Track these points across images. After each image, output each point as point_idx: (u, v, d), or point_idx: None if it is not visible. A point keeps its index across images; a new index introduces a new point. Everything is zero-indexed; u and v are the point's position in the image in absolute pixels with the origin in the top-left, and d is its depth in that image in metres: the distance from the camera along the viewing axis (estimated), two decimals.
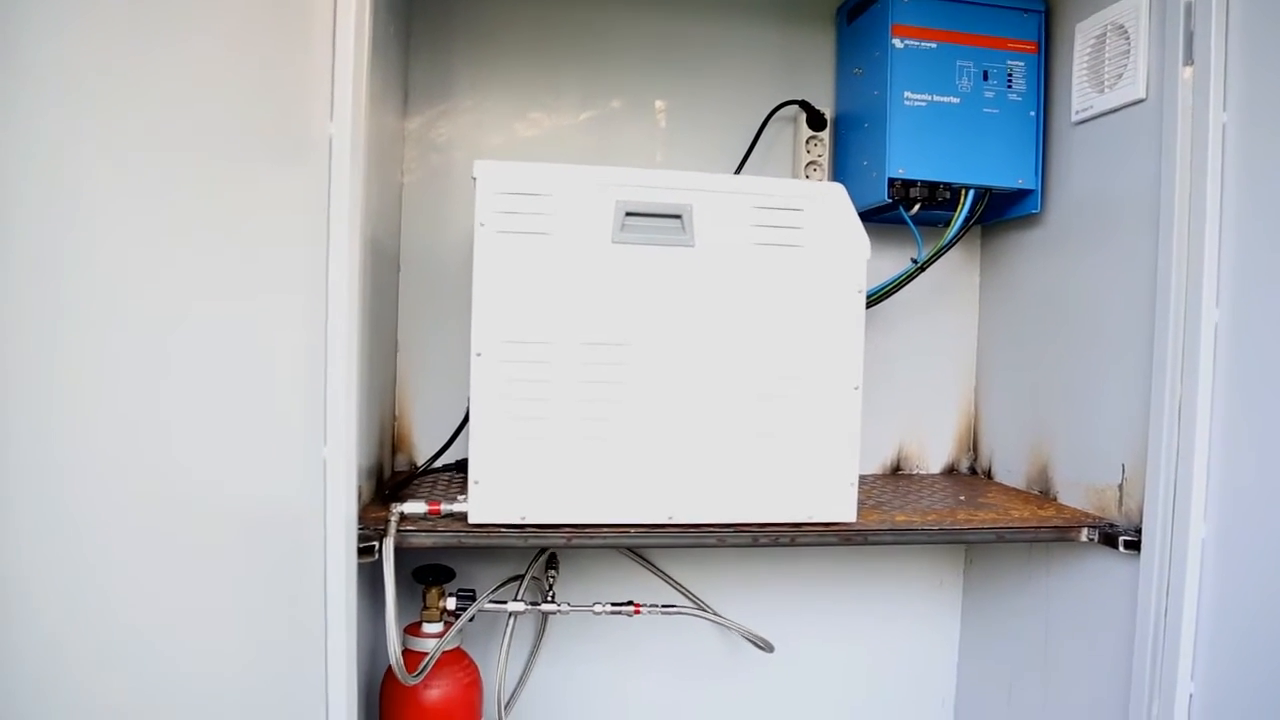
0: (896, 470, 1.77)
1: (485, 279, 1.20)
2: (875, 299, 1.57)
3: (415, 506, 1.24)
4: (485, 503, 1.22)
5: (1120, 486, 1.38)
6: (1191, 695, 1.26)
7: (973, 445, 1.79)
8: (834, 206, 1.28)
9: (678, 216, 1.25)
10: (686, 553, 1.68)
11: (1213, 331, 1.22)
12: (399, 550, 1.19)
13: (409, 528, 1.23)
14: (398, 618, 1.20)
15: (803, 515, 1.29)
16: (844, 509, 1.30)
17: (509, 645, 1.48)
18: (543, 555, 1.55)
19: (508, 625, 1.49)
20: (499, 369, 1.21)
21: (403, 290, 1.60)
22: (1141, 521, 1.31)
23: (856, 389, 1.29)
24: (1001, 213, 1.62)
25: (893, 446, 1.76)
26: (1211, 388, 1.22)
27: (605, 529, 1.25)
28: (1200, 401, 1.22)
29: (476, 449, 1.22)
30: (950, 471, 1.79)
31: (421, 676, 1.28)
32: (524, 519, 1.23)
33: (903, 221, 1.58)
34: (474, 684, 1.40)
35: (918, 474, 1.77)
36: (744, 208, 1.26)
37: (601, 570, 1.65)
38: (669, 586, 1.66)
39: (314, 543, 1.11)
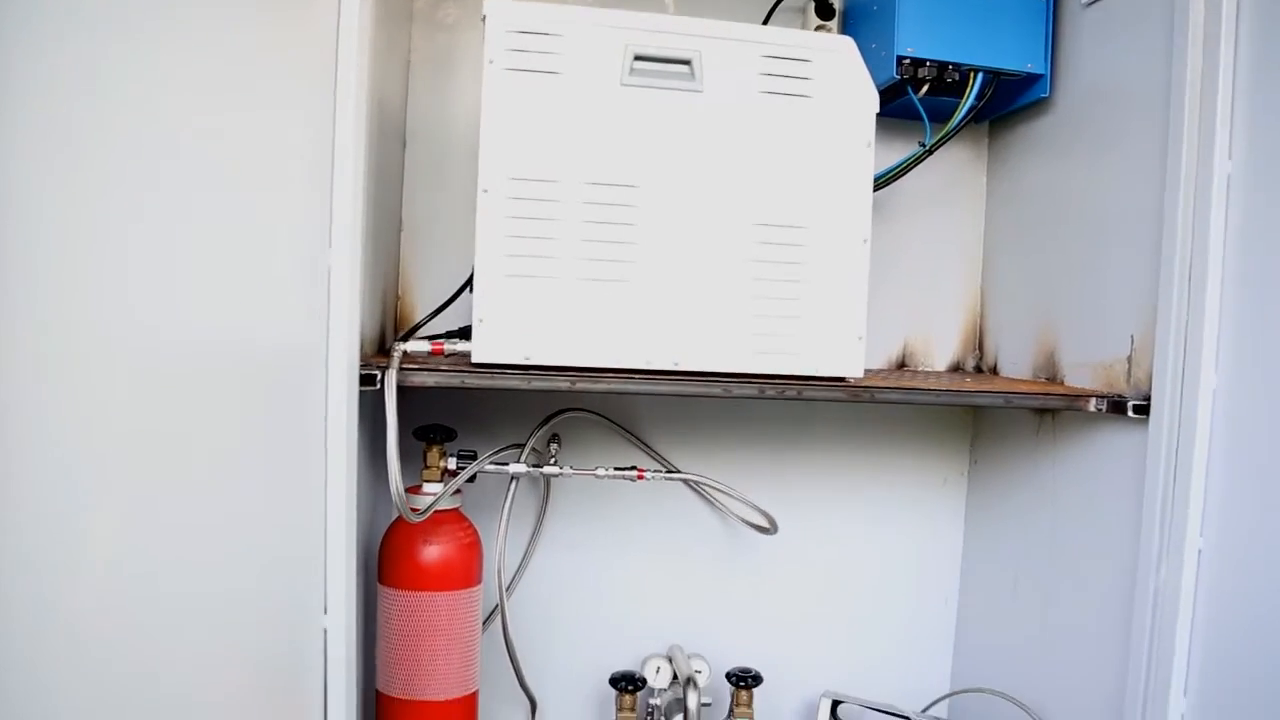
0: (901, 366, 1.76)
1: (493, 116, 1.20)
2: (882, 182, 1.57)
3: (418, 345, 1.23)
4: (489, 342, 1.21)
5: (1129, 359, 1.37)
6: (1200, 551, 1.24)
7: (978, 345, 1.78)
8: (844, 59, 1.27)
9: (686, 62, 1.24)
10: (688, 437, 1.67)
11: (1224, 184, 1.21)
12: (401, 390, 1.18)
13: (411, 366, 1.22)
14: (400, 454, 1.18)
15: (809, 368, 1.28)
16: (851, 364, 1.29)
17: (510, 509, 1.47)
18: (544, 426, 1.53)
19: (509, 490, 1.47)
20: (505, 206, 1.20)
21: (408, 170, 1.59)
22: (1150, 389, 1.30)
23: (865, 242, 1.28)
24: (1010, 102, 1.61)
25: (897, 343, 1.75)
26: (1224, 240, 1.21)
27: (610, 373, 1.24)
28: (1211, 255, 1.21)
29: (481, 287, 1.20)
30: (955, 369, 1.78)
31: (425, 515, 1.27)
32: (528, 359, 1.22)
33: (908, 115, 1.57)
34: (474, 545, 1.38)
35: (923, 370, 1.76)
36: (753, 56, 1.25)
37: (601, 454, 1.64)
38: (664, 469, 1.65)
39: (316, 372, 1.10)
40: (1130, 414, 1.31)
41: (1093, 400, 1.36)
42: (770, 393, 1.27)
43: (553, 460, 1.50)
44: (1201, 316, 1.22)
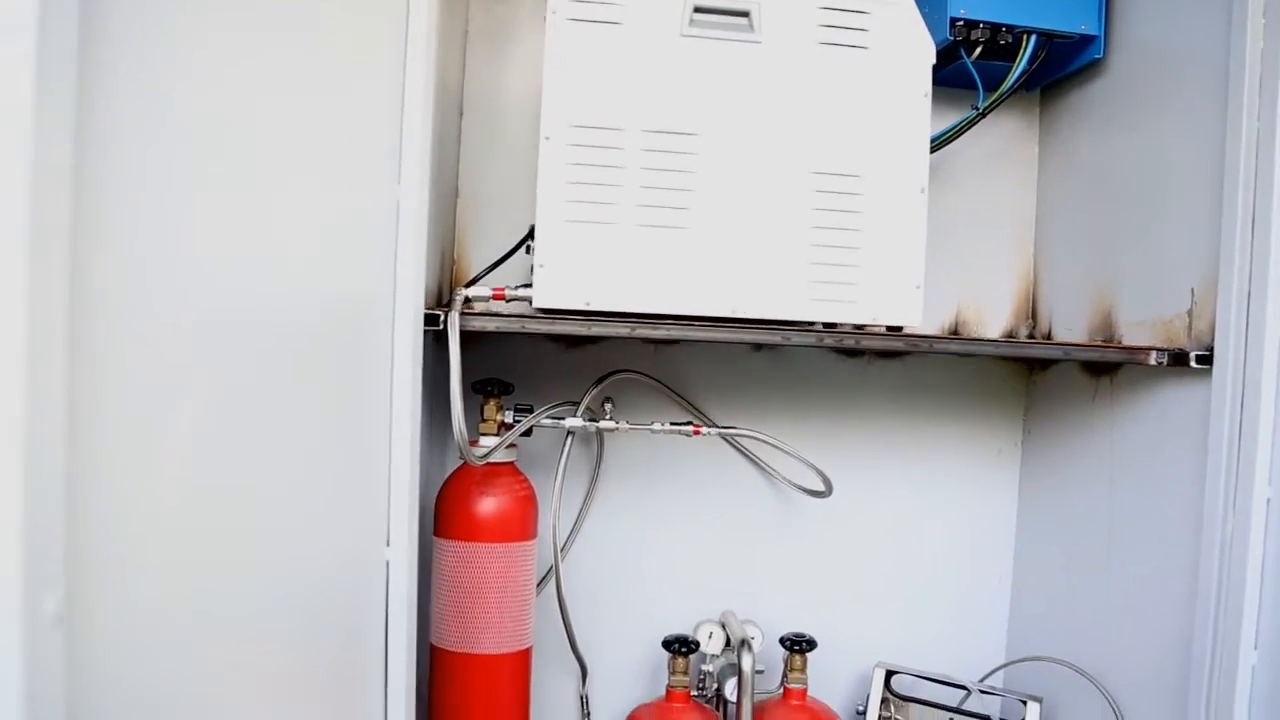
0: (954, 334, 1.75)
1: (555, 64, 1.22)
2: (934, 147, 1.56)
3: (480, 290, 1.25)
4: (550, 287, 1.23)
5: (1189, 312, 1.35)
6: (1269, 500, 1.22)
7: (1031, 314, 1.76)
8: (900, 9, 1.29)
9: (745, 14, 1.26)
10: (738, 404, 1.67)
11: None
12: (462, 338, 1.20)
13: (473, 311, 1.23)
14: (462, 395, 1.19)
15: (867, 317, 1.28)
16: (909, 313, 1.29)
17: (566, 465, 1.48)
18: (598, 385, 1.53)
19: (565, 445, 1.48)
20: (566, 153, 1.22)
21: (464, 139, 1.62)
22: (1213, 341, 1.28)
23: (922, 192, 1.29)
24: (1063, 66, 1.61)
25: (950, 311, 1.74)
26: None
27: (669, 320, 1.25)
28: (1276, 199, 1.20)
29: (543, 233, 1.22)
30: (1009, 337, 1.76)
31: (486, 459, 1.28)
32: (588, 304, 1.23)
33: (961, 84, 1.58)
34: (529, 499, 1.39)
35: (976, 338, 1.75)
36: (811, 8, 1.27)
37: (653, 418, 1.64)
38: (717, 438, 1.66)
39: (383, 318, 1.12)
40: (1193, 364, 1.29)
41: (1153, 354, 1.34)
42: (828, 341, 1.28)
43: (608, 418, 1.51)
44: (1266, 261, 1.21)
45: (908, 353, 1.72)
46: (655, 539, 1.69)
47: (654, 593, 1.66)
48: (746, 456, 1.69)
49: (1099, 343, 1.41)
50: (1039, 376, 1.74)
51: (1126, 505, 1.48)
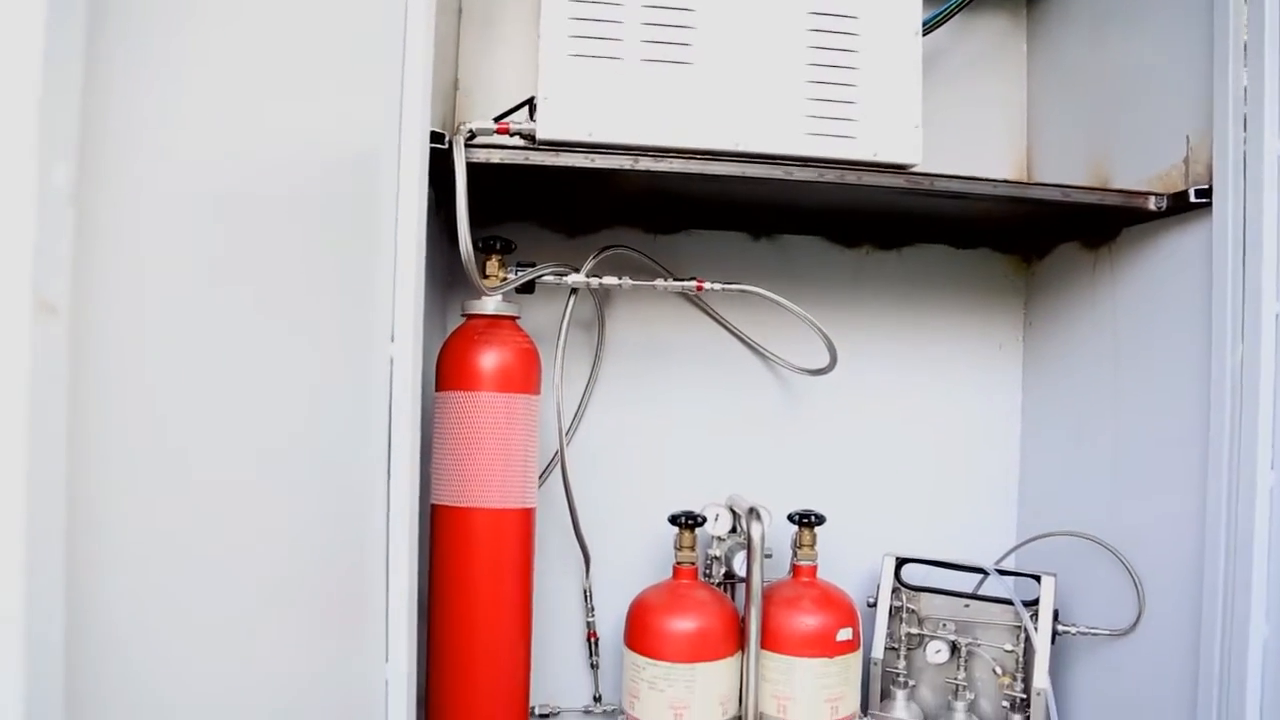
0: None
1: None
2: (928, 29, 1.59)
3: (483, 123, 1.25)
4: (553, 118, 1.23)
5: (1185, 160, 1.37)
6: (1278, 315, 1.21)
7: None
8: None
9: None
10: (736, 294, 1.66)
11: None
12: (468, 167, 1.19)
13: (477, 143, 1.23)
14: (469, 224, 1.18)
15: (868, 153, 1.29)
16: (910, 150, 1.30)
17: (568, 325, 1.46)
18: (599, 256, 1.52)
19: (567, 303, 1.47)
20: None
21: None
22: (1211, 180, 1.29)
23: (916, 35, 1.31)
24: None
25: None
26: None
27: (672, 153, 1.25)
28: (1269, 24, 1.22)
29: (546, 65, 1.23)
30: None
31: (498, 291, 1.27)
32: (591, 136, 1.23)
33: None
34: (531, 352, 1.36)
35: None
36: None
37: (653, 306, 1.64)
38: (719, 325, 1.65)
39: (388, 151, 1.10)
40: (1192, 199, 1.30)
41: (1152, 198, 1.36)
42: (830, 177, 1.28)
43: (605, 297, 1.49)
44: (1261, 85, 1.22)
45: (905, 243, 1.73)
46: (658, 427, 1.66)
47: (658, 481, 1.63)
48: (750, 346, 1.68)
49: (1098, 186, 1.41)
50: (1037, 266, 1.74)
51: (1132, 374, 1.47)
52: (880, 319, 1.73)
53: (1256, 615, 1.21)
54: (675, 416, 1.67)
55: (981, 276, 1.76)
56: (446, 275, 1.58)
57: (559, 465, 1.52)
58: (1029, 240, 1.76)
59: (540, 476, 1.56)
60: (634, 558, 1.61)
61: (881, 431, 1.73)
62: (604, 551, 1.61)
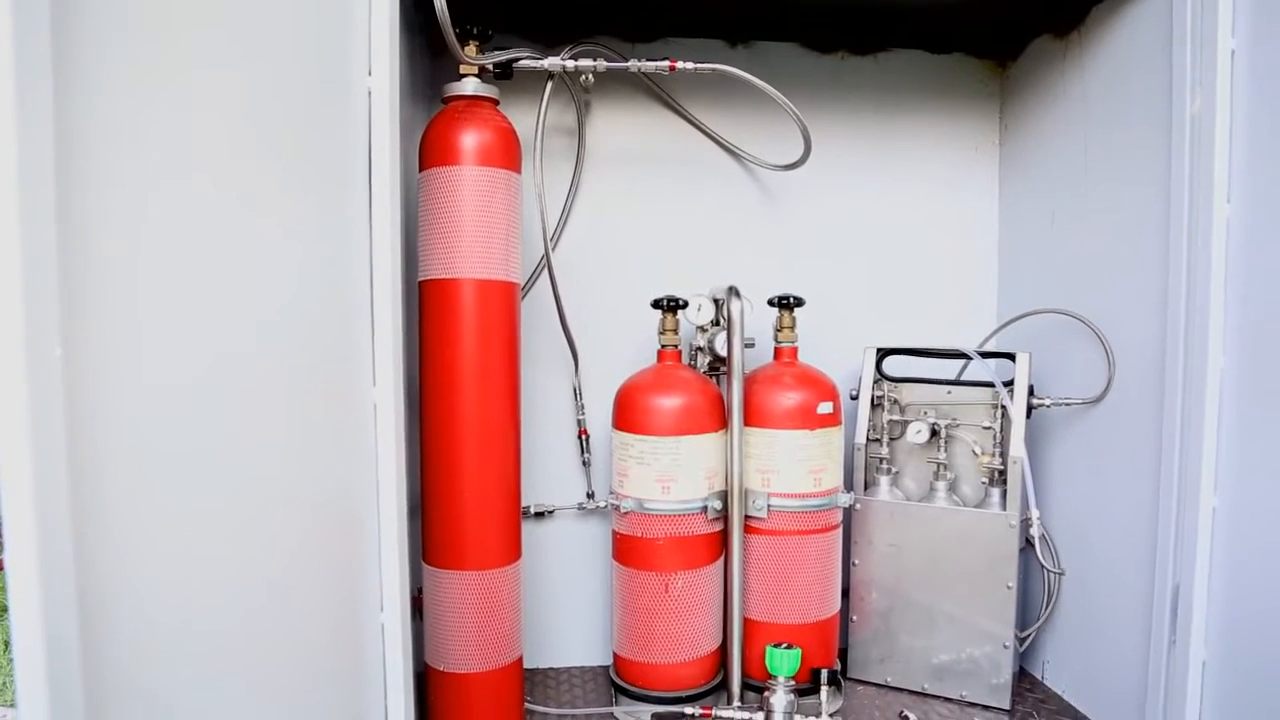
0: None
1: None
2: None
3: None
4: None
5: None
6: (1234, 51, 1.24)
7: None
8: None
9: None
10: (718, 101, 1.69)
11: None
12: None
13: None
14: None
15: None
16: None
17: (546, 107, 1.50)
18: (574, 47, 1.55)
19: (545, 87, 1.51)
20: None
21: None
22: None
23: None
24: None
25: None
26: None
27: None
28: None
29: None
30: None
31: (477, 63, 1.30)
32: None
33: None
34: (510, 132, 1.38)
35: None
36: None
37: (630, 113, 1.67)
38: (697, 130, 1.69)
39: None
40: None
41: None
42: None
43: (584, 79, 1.51)
44: None
45: (881, 48, 1.75)
46: (641, 230, 1.71)
47: (641, 281, 1.67)
48: (725, 149, 1.72)
49: None
50: (1012, 69, 1.77)
51: (1101, 148, 1.50)
52: (858, 124, 1.76)
53: (1214, 349, 1.25)
54: (657, 220, 1.71)
55: (958, 82, 1.78)
56: (428, 89, 1.61)
57: (545, 268, 1.56)
58: (1003, 40, 1.77)
59: (527, 283, 1.62)
60: (620, 359, 1.66)
61: (861, 232, 1.77)
62: (592, 354, 1.66)
